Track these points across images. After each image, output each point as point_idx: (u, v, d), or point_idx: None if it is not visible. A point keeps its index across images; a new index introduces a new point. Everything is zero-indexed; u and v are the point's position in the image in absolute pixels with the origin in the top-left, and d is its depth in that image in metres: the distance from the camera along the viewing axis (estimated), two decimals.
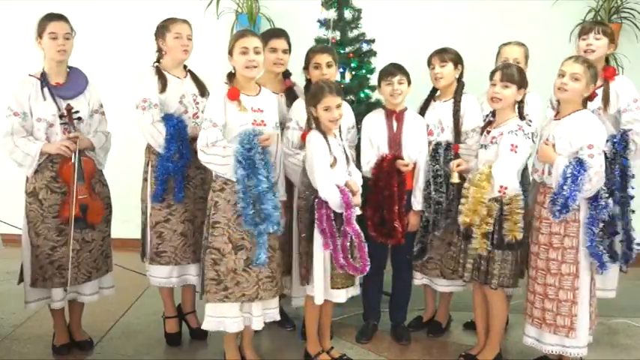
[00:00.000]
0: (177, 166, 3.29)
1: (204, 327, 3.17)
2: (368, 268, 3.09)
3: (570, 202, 2.88)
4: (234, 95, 3.01)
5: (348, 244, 3.05)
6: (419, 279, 3.67)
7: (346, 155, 3.23)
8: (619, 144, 3.34)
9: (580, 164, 2.88)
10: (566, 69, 3.01)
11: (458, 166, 3.29)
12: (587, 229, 2.98)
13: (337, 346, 3.46)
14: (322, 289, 3.15)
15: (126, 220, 3.77)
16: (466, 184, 3.14)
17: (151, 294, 4.04)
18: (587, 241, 2.97)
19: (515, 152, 3.05)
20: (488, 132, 3.19)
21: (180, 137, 3.28)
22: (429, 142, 3.49)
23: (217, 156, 2.98)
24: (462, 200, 3.12)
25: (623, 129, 3.39)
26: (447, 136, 3.47)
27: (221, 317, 3.10)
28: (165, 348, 3.55)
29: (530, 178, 3.40)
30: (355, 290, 3.31)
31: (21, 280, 3.34)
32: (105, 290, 3.50)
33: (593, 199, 2.97)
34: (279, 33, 3.56)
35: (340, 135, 3.27)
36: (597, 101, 3.36)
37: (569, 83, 2.99)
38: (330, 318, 3.40)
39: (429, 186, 3.42)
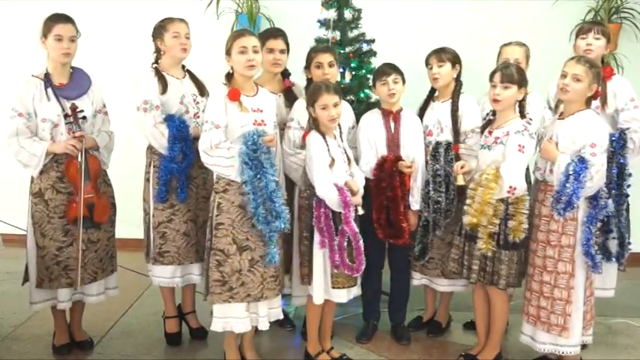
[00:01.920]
0: (181, 166, 3.29)
1: (212, 328, 3.14)
2: (363, 268, 3.10)
3: (574, 199, 2.90)
4: (234, 96, 3.00)
5: (346, 243, 3.06)
6: (418, 279, 3.67)
7: (347, 156, 3.23)
8: (617, 142, 3.34)
9: (582, 162, 2.90)
10: (568, 70, 3.02)
11: (462, 167, 3.26)
12: (584, 227, 2.99)
13: (337, 346, 3.46)
14: (322, 288, 3.16)
15: (126, 221, 3.77)
16: (472, 185, 3.12)
17: (151, 294, 4.05)
18: (582, 240, 2.99)
19: (522, 152, 3.05)
20: (490, 132, 3.19)
21: (182, 138, 3.28)
22: (429, 143, 3.49)
23: (222, 157, 2.96)
24: (468, 201, 3.11)
25: (620, 128, 3.40)
26: (447, 136, 3.47)
27: (228, 318, 3.10)
28: (165, 348, 3.55)
29: (532, 177, 3.41)
30: (357, 290, 3.32)
31: (26, 280, 3.33)
32: (110, 291, 3.51)
33: (593, 199, 2.99)
34: (277, 33, 3.55)
35: (341, 135, 3.27)
36: (596, 100, 3.37)
37: (571, 84, 3.00)
38: (332, 318, 3.40)
39: (427, 185, 3.41)
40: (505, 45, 3.60)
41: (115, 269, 3.50)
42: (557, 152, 3.01)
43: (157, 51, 3.41)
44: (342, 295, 3.21)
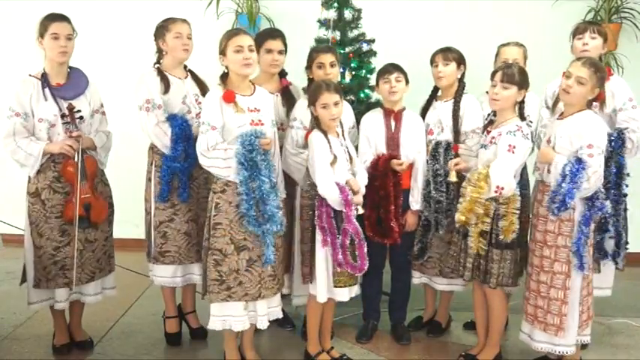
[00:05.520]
0: (183, 166, 3.29)
1: (209, 327, 3.15)
2: (366, 267, 3.11)
3: (568, 199, 2.89)
4: (229, 98, 3.00)
5: (348, 242, 3.06)
6: (417, 277, 3.67)
7: (349, 154, 3.23)
8: (616, 142, 3.34)
9: (579, 163, 2.89)
10: (573, 71, 3.00)
11: (456, 165, 3.30)
12: (578, 227, 2.98)
13: (337, 346, 3.47)
14: (325, 287, 3.16)
15: (125, 221, 3.77)
16: (464, 184, 3.14)
17: (151, 294, 4.05)
18: (574, 239, 2.98)
19: (513, 153, 3.04)
20: (489, 132, 3.19)
21: (185, 137, 3.28)
22: (430, 142, 3.49)
23: (219, 159, 2.97)
24: (460, 199, 3.14)
25: (619, 127, 3.39)
26: (447, 135, 3.47)
27: (226, 316, 3.10)
28: (165, 348, 3.56)
29: (532, 178, 3.41)
30: (358, 289, 3.34)
31: (23, 281, 3.33)
32: (107, 291, 3.50)
33: (590, 200, 2.98)
34: (275, 34, 3.56)
35: (343, 134, 3.27)
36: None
37: (574, 86, 2.98)
38: (332, 318, 3.41)
39: (428, 185, 3.42)
40: (503, 45, 3.60)
41: (112, 269, 3.50)
42: (554, 154, 3.01)
43: (159, 51, 3.41)
44: (344, 294, 3.21)
